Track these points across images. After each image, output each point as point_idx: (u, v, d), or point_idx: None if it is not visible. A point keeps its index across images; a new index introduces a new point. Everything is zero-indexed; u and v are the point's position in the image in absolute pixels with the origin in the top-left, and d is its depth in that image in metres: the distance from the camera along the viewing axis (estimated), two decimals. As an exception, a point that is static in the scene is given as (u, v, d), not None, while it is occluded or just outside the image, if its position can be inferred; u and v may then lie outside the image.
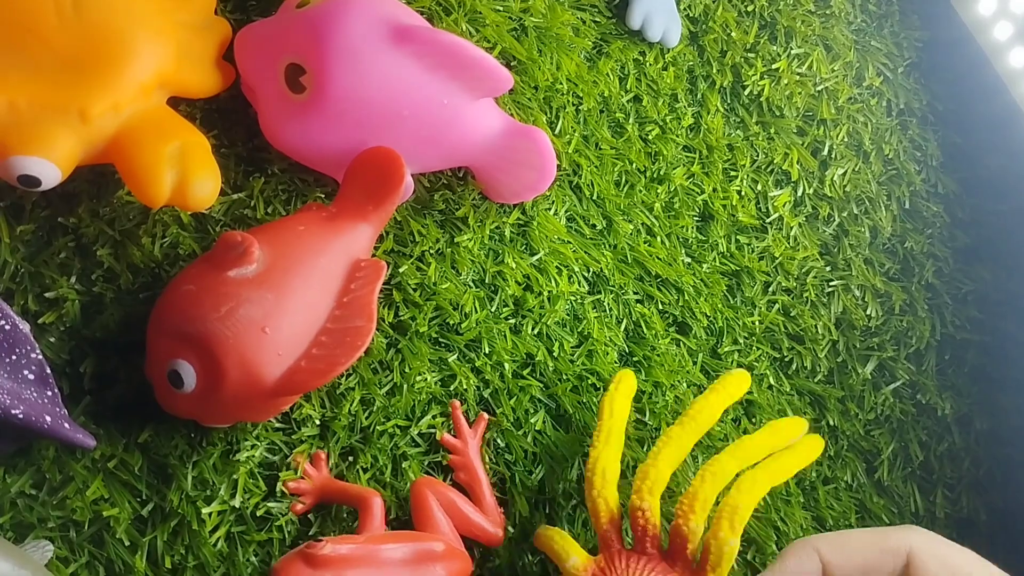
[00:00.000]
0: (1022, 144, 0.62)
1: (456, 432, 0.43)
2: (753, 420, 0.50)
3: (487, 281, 0.46)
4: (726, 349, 0.51)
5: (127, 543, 0.36)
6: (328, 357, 0.35)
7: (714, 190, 0.54)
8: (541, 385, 0.45)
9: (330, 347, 0.36)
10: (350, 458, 0.41)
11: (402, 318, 0.43)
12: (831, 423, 0.52)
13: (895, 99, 0.62)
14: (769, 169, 0.56)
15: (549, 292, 0.47)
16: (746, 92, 0.57)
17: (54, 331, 0.38)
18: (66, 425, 0.34)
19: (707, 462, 0.40)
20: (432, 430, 0.43)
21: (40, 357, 0.35)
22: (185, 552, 0.37)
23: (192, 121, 0.40)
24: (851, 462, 0.52)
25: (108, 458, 0.37)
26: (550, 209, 0.49)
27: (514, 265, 0.47)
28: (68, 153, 0.35)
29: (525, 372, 0.45)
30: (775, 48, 0.59)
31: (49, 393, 0.35)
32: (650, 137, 0.53)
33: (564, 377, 0.46)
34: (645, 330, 0.49)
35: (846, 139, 0.59)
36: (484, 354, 0.45)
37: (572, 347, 0.47)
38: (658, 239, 0.51)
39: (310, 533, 0.39)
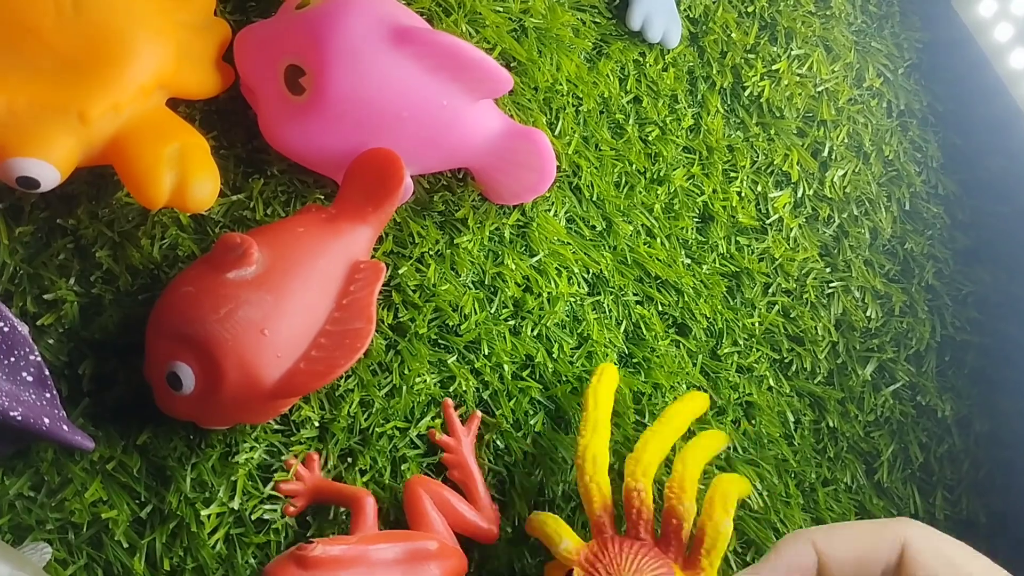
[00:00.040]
0: (1022, 146, 0.62)
1: (449, 430, 0.43)
2: (753, 421, 0.50)
3: (487, 282, 0.46)
4: (726, 350, 0.51)
5: (126, 545, 0.36)
6: (327, 359, 0.35)
7: (714, 191, 0.54)
8: (540, 387, 0.45)
9: (329, 349, 0.36)
10: (349, 460, 0.41)
11: (401, 319, 0.43)
12: (831, 424, 0.52)
13: (895, 100, 0.62)
14: (769, 170, 0.56)
15: (549, 293, 0.47)
16: (746, 93, 0.57)
17: (53, 333, 0.38)
18: (65, 427, 0.34)
19: (683, 447, 0.42)
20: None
21: (39, 359, 0.35)
22: (184, 554, 0.37)
23: (191, 122, 0.40)
24: (851, 464, 0.52)
25: (107, 460, 0.37)
26: (550, 210, 0.48)
27: (514, 266, 0.46)
28: (67, 155, 0.35)
29: (524, 374, 0.45)
30: (775, 49, 0.59)
31: (48, 395, 0.35)
32: (650, 138, 0.53)
33: (564, 379, 0.46)
34: (645, 331, 0.49)
35: (846, 140, 0.59)
36: (483, 356, 0.45)
37: (572, 349, 0.47)
38: (658, 240, 0.51)
39: (308, 535, 0.39)
